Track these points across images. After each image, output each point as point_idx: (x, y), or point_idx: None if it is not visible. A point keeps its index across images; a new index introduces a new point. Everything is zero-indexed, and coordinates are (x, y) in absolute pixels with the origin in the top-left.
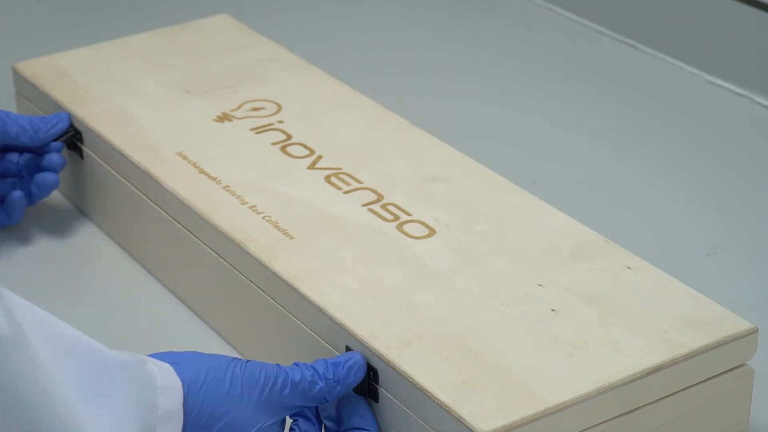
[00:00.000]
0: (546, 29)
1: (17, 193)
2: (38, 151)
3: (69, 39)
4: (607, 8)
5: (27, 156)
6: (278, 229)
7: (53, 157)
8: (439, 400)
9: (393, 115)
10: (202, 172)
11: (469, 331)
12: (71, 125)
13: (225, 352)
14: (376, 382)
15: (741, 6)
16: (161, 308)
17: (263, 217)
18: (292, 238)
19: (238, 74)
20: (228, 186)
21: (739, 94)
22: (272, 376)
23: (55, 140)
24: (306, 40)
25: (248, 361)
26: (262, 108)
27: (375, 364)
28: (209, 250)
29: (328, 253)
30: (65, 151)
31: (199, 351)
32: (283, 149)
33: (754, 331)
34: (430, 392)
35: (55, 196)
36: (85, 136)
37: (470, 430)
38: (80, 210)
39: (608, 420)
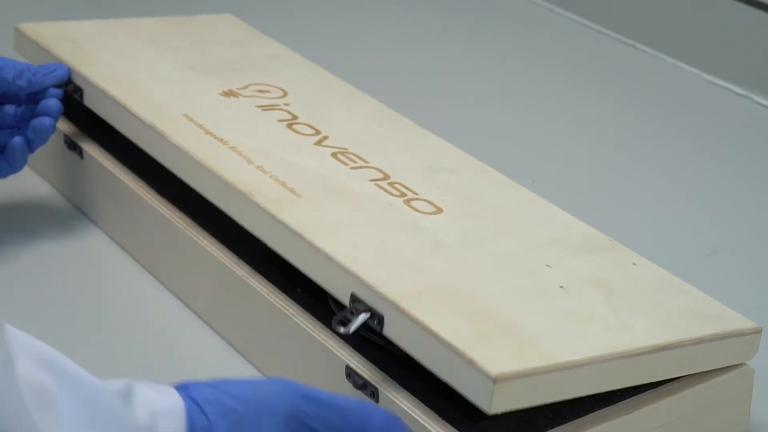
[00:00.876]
0: (546, 29)
1: (17, 140)
2: (35, 99)
3: None
4: (607, 8)
5: (24, 107)
6: (285, 188)
7: (50, 102)
8: (449, 343)
9: (397, 115)
10: (208, 132)
11: (479, 294)
12: (71, 80)
13: (225, 352)
14: (381, 329)
15: (741, 6)
16: (161, 308)
17: (270, 176)
18: (299, 196)
19: (243, 62)
20: (234, 147)
21: (739, 94)
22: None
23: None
24: (306, 40)
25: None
26: (268, 91)
27: (381, 309)
28: (209, 252)
29: (336, 214)
30: (63, 150)
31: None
32: (289, 126)
33: (758, 331)
34: (440, 336)
35: (55, 196)
36: (88, 93)
37: (481, 372)
38: (80, 210)
39: (612, 390)
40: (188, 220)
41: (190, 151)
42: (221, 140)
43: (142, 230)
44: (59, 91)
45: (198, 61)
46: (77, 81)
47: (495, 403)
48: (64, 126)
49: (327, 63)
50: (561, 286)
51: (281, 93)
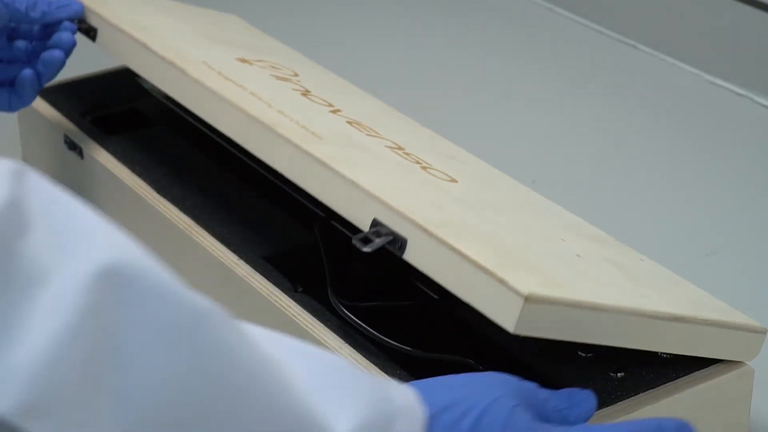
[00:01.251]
0: (546, 29)
1: (27, 72)
2: (48, 35)
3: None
4: (607, 8)
5: (36, 42)
6: (307, 130)
7: (63, 35)
8: (479, 264)
9: (402, 115)
10: (227, 78)
11: (503, 239)
12: (85, 19)
13: None
14: (401, 253)
15: (741, 6)
16: None
17: (291, 120)
18: (321, 138)
19: (254, 47)
20: (254, 93)
21: (739, 94)
22: None
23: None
24: (306, 40)
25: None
26: (280, 69)
27: (405, 233)
28: (209, 252)
29: (358, 158)
30: (63, 150)
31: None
32: (304, 95)
33: (763, 332)
34: (470, 257)
35: None
36: (102, 33)
37: (512, 290)
38: None
39: (624, 347)
40: (188, 220)
41: (211, 86)
42: (240, 86)
43: (142, 230)
44: (73, 26)
45: (211, 33)
46: (92, 21)
47: (519, 323)
48: (64, 126)
49: (327, 63)
50: (578, 255)
51: (293, 73)
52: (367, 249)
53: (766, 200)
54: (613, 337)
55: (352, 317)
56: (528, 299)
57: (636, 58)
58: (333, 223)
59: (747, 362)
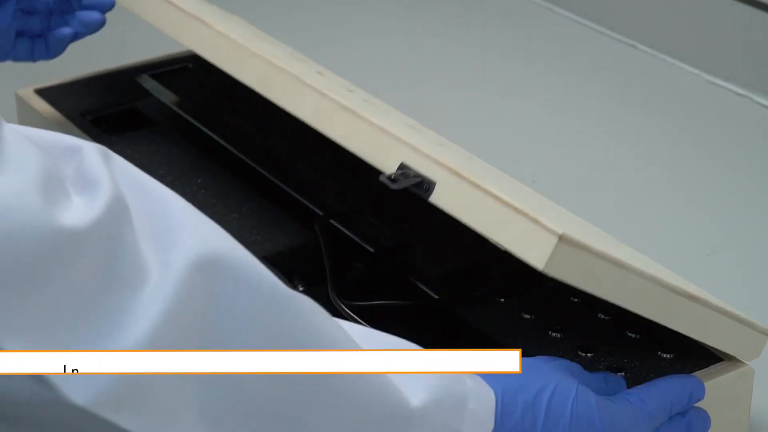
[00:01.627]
0: (546, 29)
1: (66, 30)
2: None
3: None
4: (607, 8)
5: None
6: (326, 96)
7: None
8: (511, 204)
9: (409, 119)
10: (248, 40)
11: (526, 200)
12: None
13: None
14: (428, 196)
15: (741, 6)
16: None
17: (312, 85)
18: (344, 98)
19: (262, 38)
20: (275, 54)
21: (739, 94)
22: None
23: None
24: (306, 40)
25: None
26: (293, 54)
27: (434, 176)
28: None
29: (380, 121)
30: None
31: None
32: (319, 73)
33: (766, 332)
34: (501, 197)
35: None
36: None
37: (546, 229)
38: None
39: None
40: None
41: (235, 38)
42: (259, 54)
43: None
44: None
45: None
46: None
47: (550, 262)
48: (64, 126)
49: (327, 63)
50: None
51: (304, 61)
52: (395, 187)
53: (766, 200)
54: (632, 300)
55: (353, 316)
56: (562, 238)
57: (636, 58)
58: (333, 222)
59: (747, 362)
